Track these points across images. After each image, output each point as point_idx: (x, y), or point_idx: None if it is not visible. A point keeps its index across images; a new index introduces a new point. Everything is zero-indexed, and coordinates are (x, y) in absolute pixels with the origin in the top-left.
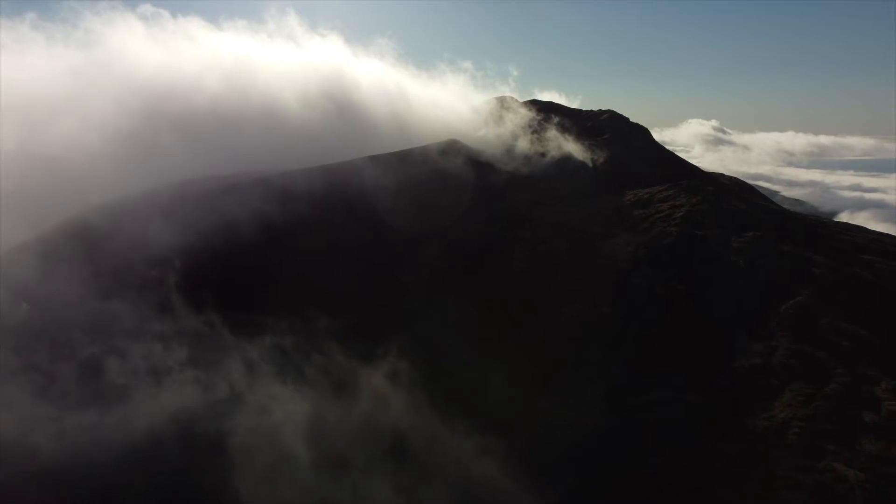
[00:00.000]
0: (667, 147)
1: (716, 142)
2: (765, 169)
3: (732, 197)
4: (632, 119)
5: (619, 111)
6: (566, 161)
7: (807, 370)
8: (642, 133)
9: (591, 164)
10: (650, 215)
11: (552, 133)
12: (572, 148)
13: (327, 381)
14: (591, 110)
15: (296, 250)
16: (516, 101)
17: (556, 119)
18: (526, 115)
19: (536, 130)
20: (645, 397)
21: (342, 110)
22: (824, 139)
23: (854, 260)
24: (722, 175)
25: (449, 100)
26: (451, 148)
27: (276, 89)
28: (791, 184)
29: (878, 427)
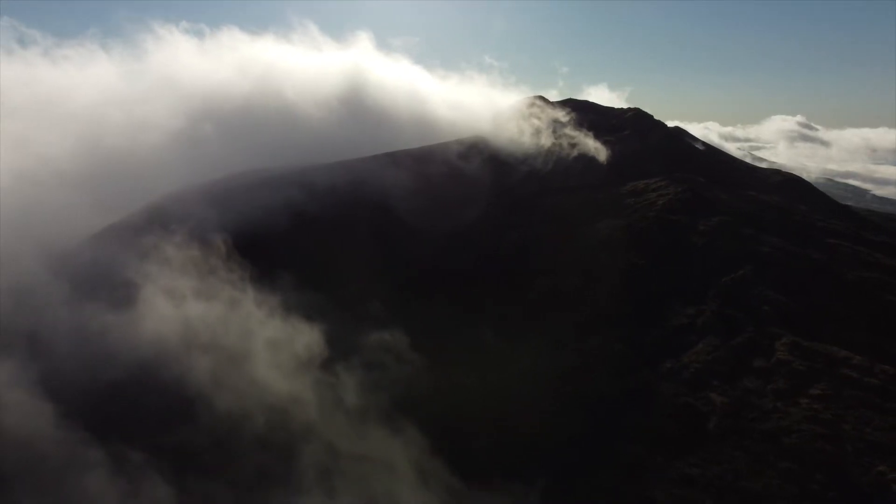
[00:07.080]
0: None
1: (801, 138)
2: (855, 166)
3: (719, 188)
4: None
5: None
6: (582, 157)
7: (723, 328)
8: (661, 129)
9: (604, 160)
10: (638, 203)
11: (573, 131)
12: (590, 144)
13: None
14: (619, 108)
15: (320, 235)
16: (545, 100)
17: (580, 117)
18: (551, 114)
19: (559, 128)
20: (580, 347)
21: (367, 111)
22: None
23: (814, 243)
24: (778, 171)
25: (480, 102)
26: (473, 146)
27: (303, 91)
28: (884, 182)
29: (764, 370)
